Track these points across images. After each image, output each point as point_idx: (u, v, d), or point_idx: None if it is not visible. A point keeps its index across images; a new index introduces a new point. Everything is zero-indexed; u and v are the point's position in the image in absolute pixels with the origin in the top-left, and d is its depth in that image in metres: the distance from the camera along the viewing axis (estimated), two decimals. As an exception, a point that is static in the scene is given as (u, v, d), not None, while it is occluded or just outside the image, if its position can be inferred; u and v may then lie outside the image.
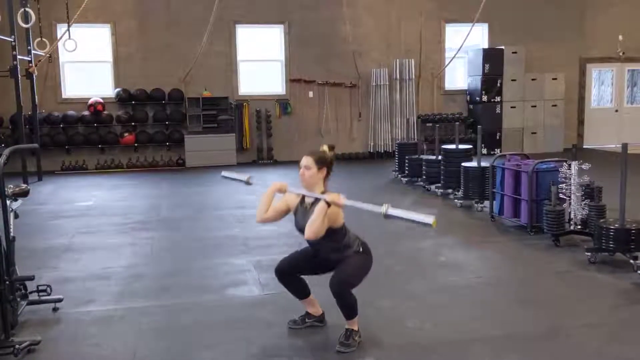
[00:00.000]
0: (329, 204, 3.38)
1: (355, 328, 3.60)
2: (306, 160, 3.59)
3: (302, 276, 3.82)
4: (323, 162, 3.59)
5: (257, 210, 3.73)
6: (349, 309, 3.55)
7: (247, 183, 4.03)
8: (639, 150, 11.11)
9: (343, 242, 3.58)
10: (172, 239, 6.39)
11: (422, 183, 9.14)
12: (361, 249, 3.61)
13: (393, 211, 3.18)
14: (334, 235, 3.54)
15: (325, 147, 3.67)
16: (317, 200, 3.49)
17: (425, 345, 3.63)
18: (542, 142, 13.52)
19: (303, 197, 3.66)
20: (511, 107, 13.37)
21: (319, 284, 3.80)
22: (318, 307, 3.89)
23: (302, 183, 3.62)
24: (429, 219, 3.07)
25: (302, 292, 3.83)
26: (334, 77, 12.95)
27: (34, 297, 4.25)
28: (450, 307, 4.26)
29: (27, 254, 5.50)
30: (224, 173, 4.30)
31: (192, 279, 4.96)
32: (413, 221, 3.14)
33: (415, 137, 13.04)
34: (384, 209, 3.19)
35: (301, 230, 3.57)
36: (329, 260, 3.62)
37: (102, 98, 12.01)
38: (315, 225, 3.39)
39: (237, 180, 4.17)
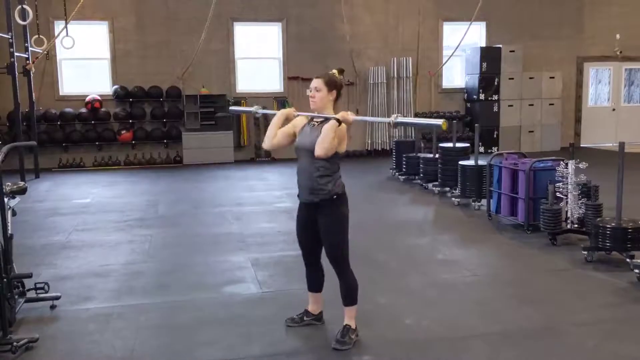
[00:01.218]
0: (339, 122, 3.38)
1: (353, 325, 3.61)
2: (316, 82, 3.55)
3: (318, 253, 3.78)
4: (333, 85, 3.55)
5: (266, 136, 3.69)
6: (349, 291, 3.58)
7: (255, 113, 4.12)
8: (635, 149, 11.16)
9: (332, 170, 3.50)
10: (170, 236, 6.39)
11: (419, 181, 9.15)
12: (342, 192, 3.56)
13: (402, 119, 3.29)
14: (331, 157, 3.48)
15: (334, 71, 3.64)
16: (325, 120, 3.48)
17: (423, 342, 3.65)
18: (539, 141, 13.55)
19: (311, 120, 3.63)
20: (509, 106, 13.38)
21: (325, 285, 3.81)
22: (319, 306, 3.89)
23: (312, 106, 3.58)
24: (439, 121, 3.15)
25: (316, 285, 3.83)
26: (331, 75, 12.92)
27: (31, 294, 4.26)
28: (448, 304, 4.28)
29: (24, 252, 5.51)
30: (232, 108, 4.56)
31: (190, 276, 4.97)
32: (423, 125, 3.30)
33: (413, 135, 13.04)
34: (392, 118, 3.28)
35: (301, 149, 3.56)
36: (307, 185, 3.54)
37: (100, 95, 11.99)
38: (326, 142, 3.37)
39: (245, 112, 4.29)
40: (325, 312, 3.90)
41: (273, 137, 3.65)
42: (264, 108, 4.24)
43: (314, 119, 3.61)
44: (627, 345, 3.59)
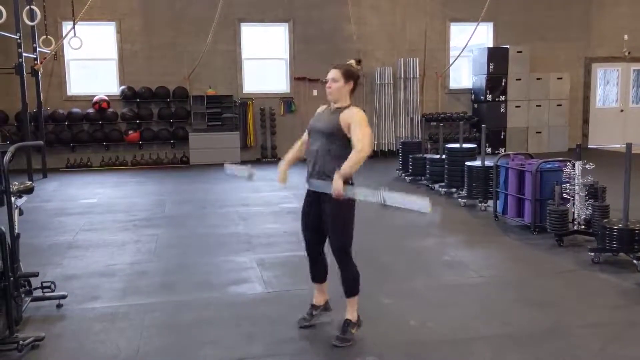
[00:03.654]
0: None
1: (354, 319, 3.62)
2: (333, 73, 3.56)
3: (322, 246, 3.78)
4: (350, 76, 3.57)
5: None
6: (351, 280, 3.57)
7: (250, 178, 4.10)
8: (643, 150, 11.09)
9: (344, 157, 3.47)
10: (176, 236, 6.41)
11: (425, 182, 9.14)
12: (350, 182, 3.54)
13: (389, 198, 3.24)
14: (344, 142, 3.50)
15: (352, 61, 3.65)
16: (339, 109, 3.53)
17: (428, 344, 3.64)
18: (546, 142, 13.49)
19: (328, 106, 3.67)
20: (516, 107, 13.34)
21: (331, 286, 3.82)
22: (325, 295, 3.90)
23: (328, 97, 3.60)
24: (425, 205, 3.14)
25: (321, 275, 3.83)
26: (338, 76, 12.92)
27: (38, 293, 4.28)
28: (453, 305, 4.27)
29: (31, 251, 5.53)
30: (227, 167, 4.36)
31: (196, 276, 4.98)
32: (408, 209, 3.22)
33: (419, 136, 13.01)
34: (380, 194, 3.25)
35: (314, 130, 3.60)
36: (320, 176, 3.55)
37: (107, 95, 12.05)
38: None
39: (239, 176, 4.24)
40: (332, 311, 3.91)
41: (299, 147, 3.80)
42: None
43: (332, 105, 3.62)
44: (633, 347, 3.57)
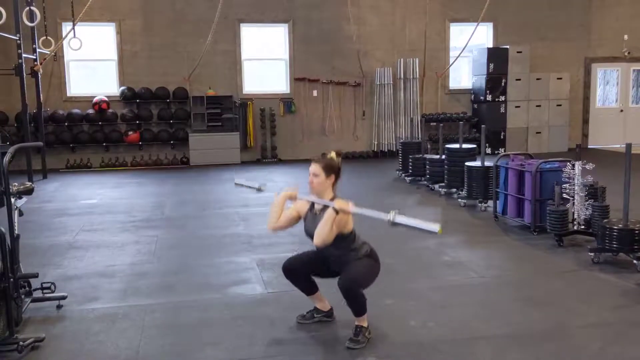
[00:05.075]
0: (337, 212, 3.42)
1: (365, 325, 3.63)
2: (314, 168, 3.62)
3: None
4: (331, 169, 3.63)
5: (269, 219, 3.77)
6: (358, 306, 3.58)
7: (259, 190, 4.15)
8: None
9: (351, 247, 3.62)
10: (176, 236, 6.41)
11: (425, 182, 9.14)
12: (369, 252, 3.65)
13: (400, 219, 3.23)
14: (343, 241, 3.58)
15: (332, 154, 3.69)
16: (326, 206, 3.53)
17: (428, 344, 3.64)
18: (546, 142, 13.49)
19: (313, 203, 3.70)
20: (515, 107, 13.33)
21: (327, 280, 3.83)
22: (326, 303, 3.92)
23: (311, 190, 3.66)
24: (435, 227, 3.14)
25: (309, 288, 3.86)
26: (338, 76, 12.95)
27: (38, 294, 4.28)
28: (453, 306, 4.27)
29: (31, 252, 5.54)
30: (237, 180, 4.43)
31: (196, 277, 4.98)
32: (420, 229, 3.21)
33: (419, 136, 13.01)
34: (391, 216, 3.24)
35: (310, 235, 3.61)
36: (337, 265, 3.64)
37: (107, 96, 12.05)
38: (323, 233, 3.43)
39: (249, 188, 4.28)
40: (335, 309, 3.92)
41: (276, 220, 3.74)
42: (264, 185, 4.21)
43: (316, 205, 3.67)
44: (633, 348, 3.57)
